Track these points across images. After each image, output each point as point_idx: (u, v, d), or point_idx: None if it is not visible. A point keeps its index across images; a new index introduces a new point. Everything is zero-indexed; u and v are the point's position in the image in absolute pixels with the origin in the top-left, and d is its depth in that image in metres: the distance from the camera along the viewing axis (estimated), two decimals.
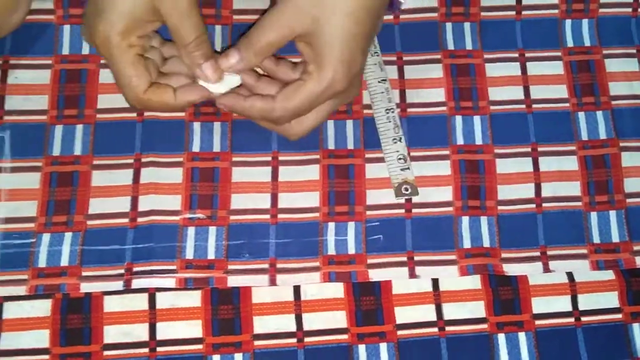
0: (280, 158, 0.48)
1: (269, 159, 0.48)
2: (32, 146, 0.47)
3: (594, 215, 0.48)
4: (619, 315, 0.46)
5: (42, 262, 0.44)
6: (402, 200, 0.48)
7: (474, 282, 0.46)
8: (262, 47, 0.41)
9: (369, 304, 0.45)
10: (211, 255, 0.45)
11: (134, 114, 0.48)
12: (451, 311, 0.46)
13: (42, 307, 0.44)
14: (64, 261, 0.44)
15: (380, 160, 0.49)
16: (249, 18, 0.50)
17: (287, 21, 0.40)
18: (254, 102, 0.42)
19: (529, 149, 0.50)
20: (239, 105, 0.43)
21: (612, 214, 0.48)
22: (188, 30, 0.41)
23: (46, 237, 0.45)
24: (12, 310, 0.43)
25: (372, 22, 0.41)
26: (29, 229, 0.45)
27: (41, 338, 0.43)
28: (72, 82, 0.48)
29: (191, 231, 0.46)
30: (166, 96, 0.42)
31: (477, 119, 0.50)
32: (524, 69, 0.51)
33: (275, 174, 0.48)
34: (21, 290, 0.44)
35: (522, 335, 0.46)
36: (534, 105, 0.51)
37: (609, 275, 0.47)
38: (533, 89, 0.51)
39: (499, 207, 0.48)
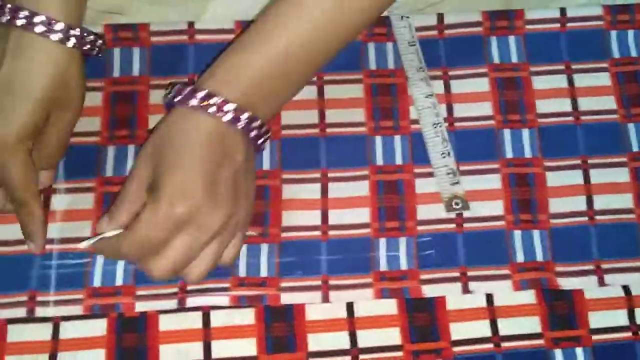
0: (330, 175, 0.48)
1: (318, 175, 0.48)
2: (85, 167, 0.47)
3: None
4: None
5: (97, 282, 0.45)
6: (453, 215, 0.47)
7: (528, 296, 0.46)
8: (124, 220, 0.42)
9: (423, 320, 0.45)
10: (264, 272, 0.45)
11: None
12: (506, 326, 0.45)
13: (98, 327, 0.44)
14: (119, 280, 0.45)
15: (430, 175, 0.48)
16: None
17: (136, 186, 0.42)
18: (105, 241, 0.42)
19: (579, 161, 0.49)
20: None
21: None
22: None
23: (100, 257, 0.45)
24: (69, 330, 0.44)
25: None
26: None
27: (98, 358, 0.43)
28: (123, 104, 0.49)
29: (243, 248, 0.46)
30: None
31: (525, 132, 0.50)
32: (570, 81, 0.51)
33: (324, 191, 0.48)
34: (77, 309, 0.44)
35: (579, 351, 0.45)
36: (582, 117, 0.50)
37: None
38: (581, 100, 0.51)
39: (551, 221, 0.48)
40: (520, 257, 0.46)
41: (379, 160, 0.49)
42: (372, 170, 0.48)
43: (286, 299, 0.45)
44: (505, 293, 0.46)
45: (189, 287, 0.44)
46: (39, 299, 0.44)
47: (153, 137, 0.42)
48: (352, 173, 0.48)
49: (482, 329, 0.45)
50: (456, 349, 0.45)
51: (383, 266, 0.46)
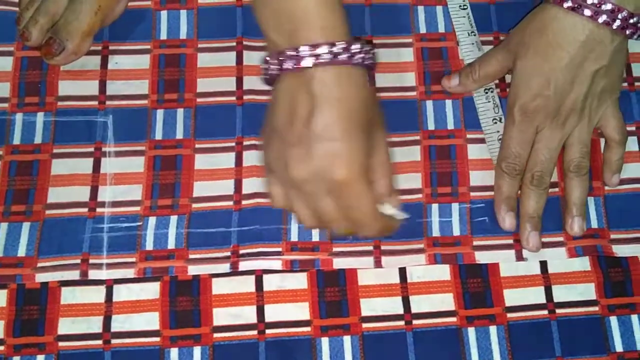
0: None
1: None
2: (134, 130, 0.47)
3: None
4: None
5: (149, 245, 0.44)
6: None
7: (583, 263, 0.45)
8: (479, 76, 0.47)
9: (477, 286, 0.45)
10: (315, 237, 0.45)
11: (234, 98, 0.48)
12: (561, 294, 0.45)
13: (151, 290, 0.44)
14: (171, 244, 0.45)
15: (482, 140, 0.48)
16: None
17: (502, 59, 0.47)
18: None
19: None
20: None
21: None
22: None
23: (152, 220, 0.45)
24: (122, 293, 0.44)
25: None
26: (135, 212, 0.45)
27: (152, 320, 0.43)
28: (171, 67, 0.49)
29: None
30: None
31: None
32: None
33: None
34: (130, 273, 0.44)
35: (635, 318, 0.44)
36: None
37: None
38: None
39: (606, 187, 0.47)
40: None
41: (431, 125, 0.48)
42: (424, 135, 0.48)
43: (339, 263, 0.45)
44: (559, 260, 0.45)
45: (242, 251, 0.44)
46: (92, 261, 0.44)
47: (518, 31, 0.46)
48: (403, 138, 0.47)
49: (536, 295, 0.45)
50: (510, 315, 0.44)
51: (435, 232, 0.46)
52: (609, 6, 0.42)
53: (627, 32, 0.43)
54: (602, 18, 0.42)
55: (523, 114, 0.45)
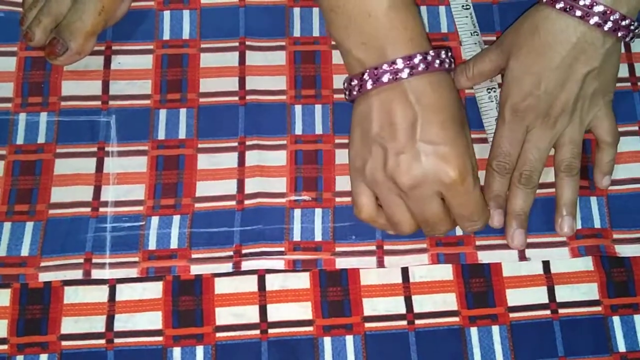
0: None
1: None
2: (137, 130, 0.47)
3: None
4: None
5: (152, 245, 0.45)
6: None
7: (586, 263, 0.45)
8: (473, 74, 0.47)
9: (479, 286, 0.45)
10: (318, 237, 0.45)
11: (236, 98, 0.48)
12: (564, 293, 0.45)
13: (154, 289, 0.44)
14: (174, 244, 0.45)
15: (484, 140, 0.48)
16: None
17: (496, 58, 0.46)
18: None
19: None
20: None
21: None
22: None
23: (155, 220, 0.45)
24: (125, 292, 0.44)
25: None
26: (138, 212, 0.45)
27: (154, 319, 0.43)
28: (174, 67, 0.49)
29: (297, 213, 0.45)
30: None
31: None
32: None
33: None
34: (133, 272, 0.44)
35: (637, 318, 0.44)
36: None
37: None
38: None
39: (609, 187, 0.47)
40: (577, 224, 0.46)
41: None
42: None
43: (341, 263, 0.45)
44: (561, 260, 0.45)
45: (244, 251, 0.44)
46: (95, 261, 0.44)
47: (512, 31, 0.46)
48: None
49: (539, 295, 0.45)
50: (513, 315, 0.44)
51: None
52: (600, 8, 0.42)
53: (619, 34, 0.43)
54: (594, 20, 0.42)
55: (513, 113, 0.45)
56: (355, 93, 0.42)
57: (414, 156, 0.40)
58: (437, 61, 0.40)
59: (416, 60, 0.40)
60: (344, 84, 0.43)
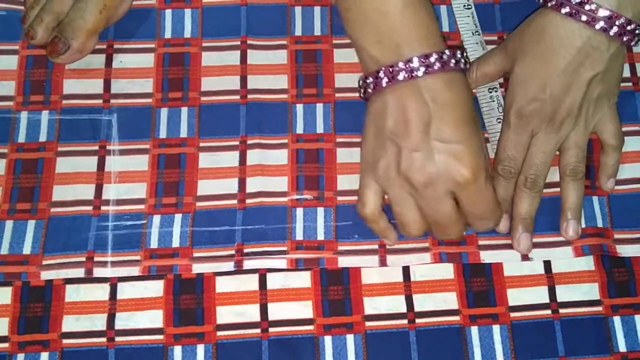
0: None
1: None
2: (139, 129, 0.47)
3: None
4: None
5: (153, 243, 0.45)
6: None
7: (587, 263, 0.45)
8: (477, 76, 0.48)
9: (480, 286, 0.45)
10: (320, 236, 0.45)
11: (238, 97, 0.48)
12: (565, 293, 0.45)
13: (155, 288, 0.44)
14: (175, 242, 0.45)
15: (485, 140, 0.48)
16: None
17: (500, 62, 0.47)
18: None
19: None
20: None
21: None
22: None
23: (157, 219, 0.45)
24: (127, 291, 0.44)
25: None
26: (139, 210, 0.45)
27: (155, 318, 0.43)
28: (175, 65, 0.49)
29: (299, 212, 0.45)
30: None
31: None
32: None
33: None
34: (134, 271, 0.44)
35: (638, 318, 0.44)
36: None
37: None
38: None
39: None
40: (581, 223, 0.46)
41: None
42: None
43: (344, 262, 0.45)
44: (563, 260, 0.45)
45: (246, 250, 0.44)
46: (97, 259, 0.44)
47: (516, 35, 0.46)
48: None
49: (539, 295, 0.45)
50: (514, 314, 0.44)
51: None
52: (606, 12, 0.42)
53: (625, 38, 0.43)
54: (600, 24, 0.42)
55: (519, 118, 0.45)
56: (370, 91, 0.41)
57: (428, 154, 0.40)
58: (453, 60, 0.40)
59: (432, 59, 0.40)
60: (358, 82, 0.43)
